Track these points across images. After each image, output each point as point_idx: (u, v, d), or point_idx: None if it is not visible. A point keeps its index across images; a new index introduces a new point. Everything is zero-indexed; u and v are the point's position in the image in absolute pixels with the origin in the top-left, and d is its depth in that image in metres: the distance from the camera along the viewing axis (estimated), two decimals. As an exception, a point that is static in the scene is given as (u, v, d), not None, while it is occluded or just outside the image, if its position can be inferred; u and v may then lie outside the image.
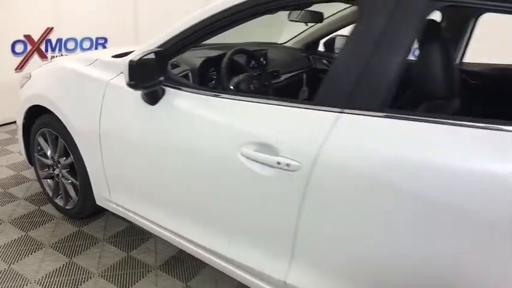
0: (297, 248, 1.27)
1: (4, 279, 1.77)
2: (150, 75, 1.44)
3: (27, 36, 3.73)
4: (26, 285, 1.75)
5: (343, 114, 1.12)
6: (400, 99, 1.29)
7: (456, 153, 0.96)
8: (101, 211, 2.24)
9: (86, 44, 4.27)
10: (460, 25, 2.11)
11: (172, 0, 4.35)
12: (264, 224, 1.34)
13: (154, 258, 1.97)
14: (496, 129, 0.93)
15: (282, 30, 2.99)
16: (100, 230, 2.18)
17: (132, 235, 2.15)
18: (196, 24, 1.45)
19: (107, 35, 4.36)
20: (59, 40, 3.99)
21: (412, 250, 1.05)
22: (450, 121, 0.99)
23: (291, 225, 1.24)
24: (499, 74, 2.08)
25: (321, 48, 2.86)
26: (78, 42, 4.18)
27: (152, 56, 1.44)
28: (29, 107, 2.19)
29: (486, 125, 0.95)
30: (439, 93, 1.28)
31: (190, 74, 1.87)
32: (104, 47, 4.38)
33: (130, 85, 1.41)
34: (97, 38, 4.32)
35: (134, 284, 1.79)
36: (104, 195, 1.94)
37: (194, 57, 1.99)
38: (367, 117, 1.09)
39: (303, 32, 2.80)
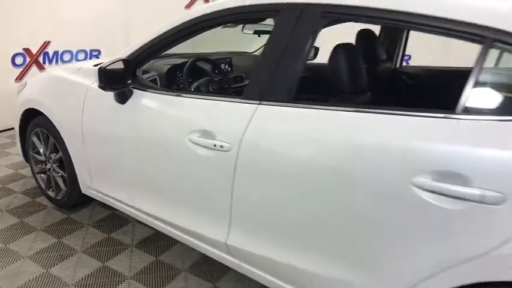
0: (233, 215, 1.57)
1: (1, 256, 2.08)
2: (119, 79, 1.77)
3: (26, 50, 4.10)
4: (19, 260, 2.06)
5: (260, 105, 1.44)
6: (314, 93, 1.61)
7: (343, 133, 1.26)
8: (86, 202, 2.55)
9: (81, 56, 4.63)
10: (394, 37, 2.44)
11: (161, 15, 4.71)
12: (207, 196, 1.65)
13: (131, 238, 2.28)
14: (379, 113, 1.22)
15: (253, 41, 3.32)
16: (86, 217, 2.49)
17: (113, 220, 2.46)
18: (156, 38, 1.79)
19: (100, 47, 4.72)
20: (56, 53, 4.36)
21: (311, 210, 1.35)
22: (338, 108, 1.30)
23: (227, 196, 1.55)
24: (429, 74, 2.41)
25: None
26: (74, 54, 4.55)
27: (121, 63, 1.77)
28: (24, 110, 2.53)
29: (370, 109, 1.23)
30: (347, 89, 1.59)
31: (158, 78, 2.20)
32: (98, 58, 4.74)
33: (100, 87, 1.75)
34: (91, 50, 4.69)
35: (112, 258, 2.09)
36: (87, 184, 2.26)
37: (163, 64, 2.33)
38: (277, 107, 1.41)
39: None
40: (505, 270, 1.01)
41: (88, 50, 4.65)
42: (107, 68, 1.70)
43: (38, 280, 1.91)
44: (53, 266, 2.01)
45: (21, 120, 2.61)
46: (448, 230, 1.08)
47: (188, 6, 5.50)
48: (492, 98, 1.15)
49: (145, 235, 2.31)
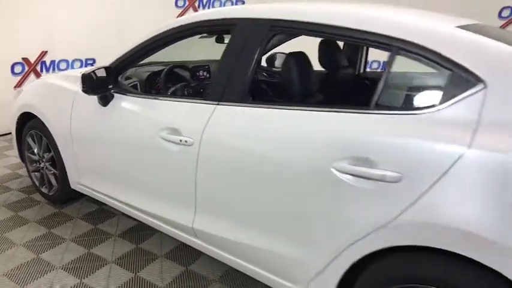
0: (197, 202, 1.80)
1: (-3, 243, 2.31)
2: (101, 85, 2.02)
3: (25, 59, 4.37)
4: (13, 247, 2.28)
5: (218, 105, 1.68)
6: (268, 95, 1.85)
7: (281, 127, 1.50)
8: (76, 197, 2.79)
9: (77, 65, 4.89)
10: (355, 47, 2.67)
11: (153, 25, 4.98)
12: (176, 186, 1.88)
13: (115, 228, 2.50)
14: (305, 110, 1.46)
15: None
16: (75, 211, 2.72)
17: (100, 214, 2.69)
18: (133, 48, 2.05)
19: (95, 56, 4.98)
20: (53, 62, 4.63)
21: (256, 194, 1.58)
22: (280, 106, 1.54)
23: (192, 185, 1.78)
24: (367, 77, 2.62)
25: (263, 63, 3.43)
26: (70, 63, 4.81)
27: (103, 70, 2.02)
28: (21, 114, 2.77)
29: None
30: (294, 91, 1.82)
31: (138, 84, 2.45)
32: (92, 66, 5.00)
33: (83, 91, 1.99)
34: (86, 59, 4.95)
35: (96, 245, 2.32)
36: (75, 179, 2.50)
37: (143, 71, 2.58)
38: (231, 106, 1.65)
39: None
40: (405, 236, 1.24)
41: (83, 59, 4.91)
42: (89, 74, 1.95)
43: (29, 264, 2.13)
44: (43, 252, 2.24)
45: (18, 123, 2.85)
46: (361, 204, 1.31)
47: (180, 16, 5.77)
48: (395, 96, 1.39)
49: (128, 226, 2.53)
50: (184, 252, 2.26)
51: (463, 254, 1.12)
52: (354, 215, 1.32)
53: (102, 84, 2.03)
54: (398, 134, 1.25)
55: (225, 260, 1.82)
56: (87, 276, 2.05)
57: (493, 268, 1.08)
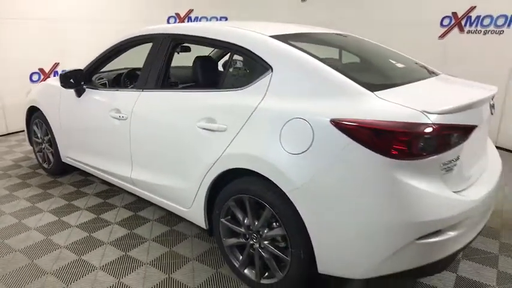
0: (133, 159, 2.63)
1: (6, 197, 3.21)
2: (75, 81, 2.91)
3: (41, 69, 5.39)
4: (17, 199, 3.18)
5: (142, 92, 2.52)
6: (172, 83, 2.64)
7: (172, 102, 2.30)
8: (69, 171, 3.68)
9: (85, 73, 5.88)
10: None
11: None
12: (120, 150, 2.71)
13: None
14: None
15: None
16: (66, 179, 3.62)
17: (85, 181, 3.56)
18: (98, 57, 2.93)
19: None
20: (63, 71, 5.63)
21: (164, 150, 2.39)
22: (174, 90, 2.35)
23: (128, 147, 2.61)
24: None
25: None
26: (78, 72, 5.81)
27: (76, 71, 2.91)
28: (29, 108, 3.71)
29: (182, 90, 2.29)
30: (189, 80, 2.63)
31: (107, 82, 3.33)
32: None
33: (61, 85, 2.88)
34: (92, 69, 5.94)
35: (76, 199, 3.18)
36: (64, 154, 3.39)
37: (112, 74, 3.46)
38: (149, 92, 2.48)
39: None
40: (230, 162, 1.99)
41: (90, 69, 5.90)
42: (64, 73, 2.85)
43: (27, 209, 3.02)
44: (37, 203, 3.12)
45: (27, 115, 3.80)
46: (209, 147, 2.08)
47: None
48: (230, 80, 2.17)
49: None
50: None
51: (256, 170, 1.87)
52: (207, 153, 2.10)
53: (75, 81, 2.91)
54: (227, 102, 2.04)
55: (149, 198, 2.62)
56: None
57: (270, 179, 1.82)
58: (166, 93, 2.41)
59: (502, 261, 2.39)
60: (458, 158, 1.69)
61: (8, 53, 5.00)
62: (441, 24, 5.14)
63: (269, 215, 1.90)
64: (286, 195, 1.76)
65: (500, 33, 4.60)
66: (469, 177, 1.85)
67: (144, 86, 2.53)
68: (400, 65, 2.30)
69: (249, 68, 2.19)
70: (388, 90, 1.77)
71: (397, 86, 1.87)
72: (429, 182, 1.59)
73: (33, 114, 3.70)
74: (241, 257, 2.12)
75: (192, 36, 2.36)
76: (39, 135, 3.73)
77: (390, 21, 5.48)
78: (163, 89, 2.45)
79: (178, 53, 2.69)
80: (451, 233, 1.66)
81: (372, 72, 2.21)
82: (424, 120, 1.55)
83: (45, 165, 3.77)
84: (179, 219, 2.83)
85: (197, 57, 2.60)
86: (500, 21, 4.58)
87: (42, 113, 3.49)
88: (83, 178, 3.65)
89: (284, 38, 2.06)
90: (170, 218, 2.88)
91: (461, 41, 4.97)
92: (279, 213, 1.84)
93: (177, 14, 6.56)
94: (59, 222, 2.83)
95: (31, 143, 3.94)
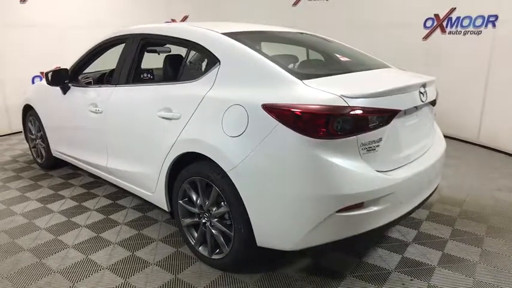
0: (108, 150, 2.85)
1: (1, 187, 3.48)
2: (60, 79, 3.17)
3: (42, 73, 5.72)
4: (9, 190, 3.44)
5: (116, 86, 2.75)
6: (141, 78, 2.87)
7: (137, 93, 2.52)
8: (61, 166, 3.93)
9: (85, 77, 6.20)
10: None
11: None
12: (97, 141, 2.94)
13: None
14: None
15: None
16: (56, 172, 3.87)
17: (75, 174, 3.81)
18: (81, 57, 3.18)
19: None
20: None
21: (131, 139, 2.60)
22: (140, 84, 2.58)
23: (104, 140, 2.84)
24: None
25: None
26: (79, 76, 6.13)
27: (61, 70, 3.17)
28: (24, 106, 4.00)
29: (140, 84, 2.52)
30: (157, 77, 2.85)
31: (92, 81, 3.58)
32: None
33: (47, 83, 3.15)
34: (92, 73, 6.25)
35: (61, 190, 3.42)
36: (54, 148, 3.65)
37: (97, 74, 3.72)
38: (122, 86, 2.71)
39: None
40: (184, 147, 2.19)
41: (89, 73, 6.22)
42: (49, 73, 3.11)
43: (16, 198, 3.28)
44: (26, 193, 3.38)
45: (23, 113, 4.09)
46: (167, 133, 2.28)
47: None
48: (186, 74, 2.38)
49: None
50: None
51: (202, 153, 2.06)
52: (165, 140, 2.30)
53: (61, 80, 3.17)
54: (182, 92, 2.25)
55: (123, 186, 2.84)
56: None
57: (213, 160, 2.01)
58: (134, 87, 2.63)
59: (449, 244, 2.52)
60: (380, 140, 1.85)
61: (12, 57, 5.36)
62: (424, 25, 5.28)
63: (216, 194, 2.09)
64: (228, 175, 1.95)
65: (478, 34, 4.72)
66: (399, 158, 2.01)
67: (117, 82, 2.76)
68: (344, 59, 2.48)
69: (203, 61, 2.40)
70: (318, 79, 1.95)
71: (329, 75, 2.05)
72: (348, 160, 1.76)
73: (28, 112, 3.98)
74: (196, 235, 2.31)
75: (156, 35, 2.59)
76: (33, 131, 4.01)
77: (375, 23, 5.64)
78: (134, 83, 2.68)
79: (159, 54, 2.94)
80: (374, 208, 1.83)
81: (312, 64, 2.40)
82: (341, 103, 1.73)
83: (38, 160, 4.04)
84: (153, 206, 3.04)
85: (166, 55, 2.83)
86: (478, 22, 4.70)
87: (35, 111, 3.77)
88: (72, 172, 3.90)
89: (234, 35, 2.26)
90: (145, 206, 3.09)
91: (443, 42, 5.10)
92: (222, 191, 2.02)
93: (173, 20, 6.85)
94: (44, 208, 3.07)
95: (27, 140, 4.23)
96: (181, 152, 2.21)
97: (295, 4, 6.58)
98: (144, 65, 3.69)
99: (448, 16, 5.02)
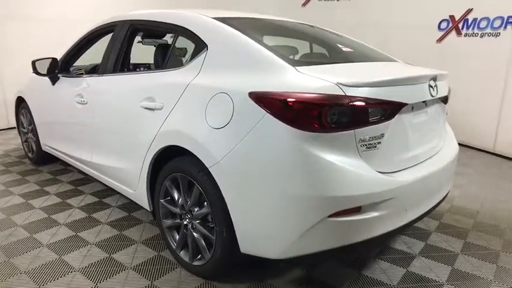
0: (92, 145, 2.67)
1: (-15, 182, 3.34)
2: (50, 69, 3.01)
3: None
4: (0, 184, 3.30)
5: (102, 76, 2.58)
6: (128, 68, 2.68)
7: (121, 83, 2.34)
8: (53, 161, 3.77)
9: (87, 74, 6.10)
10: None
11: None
12: (82, 133, 2.77)
13: (68, 178, 3.44)
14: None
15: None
16: (45, 168, 3.71)
17: (65, 171, 3.65)
18: (71, 47, 3.03)
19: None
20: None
21: (116, 131, 2.42)
22: (125, 73, 2.39)
23: (89, 133, 2.66)
24: None
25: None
26: (81, 72, 6.02)
27: (50, 60, 3.02)
28: (16, 99, 3.86)
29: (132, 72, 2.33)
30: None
31: (84, 72, 3.42)
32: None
33: (33, 72, 2.99)
34: (95, 70, 6.15)
35: (49, 185, 3.25)
36: (44, 143, 3.49)
37: (89, 67, 3.56)
38: (107, 76, 2.53)
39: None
40: (166, 139, 1.99)
41: (92, 69, 6.11)
42: (36, 62, 2.96)
43: (0, 192, 3.14)
44: (11, 187, 3.22)
45: (16, 106, 3.95)
46: (149, 124, 2.08)
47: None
48: (172, 61, 2.18)
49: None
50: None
51: (183, 147, 1.86)
52: (147, 132, 2.10)
53: (50, 69, 3.02)
54: (166, 80, 2.06)
55: (106, 182, 2.65)
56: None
57: (195, 154, 1.81)
58: (119, 76, 2.45)
59: (460, 259, 2.26)
60: (382, 136, 1.62)
61: (13, 51, 5.27)
62: (439, 27, 5.02)
63: (198, 192, 1.88)
64: (209, 171, 1.74)
65: (496, 36, 4.44)
66: (405, 159, 1.77)
67: (104, 71, 2.59)
68: (346, 49, 2.26)
69: (190, 47, 2.20)
70: (314, 66, 1.73)
71: (328, 64, 1.83)
72: (344, 157, 1.53)
73: (21, 105, 3.85)
74: (177, 238, 2.10)
75: (144, 21, 2.41)
76: (24, 124, 3.87)
77: (389, 24, 5.39)
78: (120, 73, 2.50)
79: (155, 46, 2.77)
80: (373, 214, 1.59)
81: (313, 56, 2.18)
82: (337, 92, 1.51)
83: (29, 155, 3.89)
84: (139, 205, 2.84)
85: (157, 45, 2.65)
86: (497, 23, 4.42)
87: (26, 103, 3.62)
88: (62, 168, 3.74)
89: (224, 19, 2.06)
90: (131, 205, 2.89)
91: (459, 45, 4.82)
92: (204, 190, 1.81)
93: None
94: (25, 204, 2.90)
95: (19, 133, 4.09)
96: (162, 146, 2.01)
97: (304, 4, 6.39)
98: (141, 58, 3.56)
99: (464, 17, 4.75)
